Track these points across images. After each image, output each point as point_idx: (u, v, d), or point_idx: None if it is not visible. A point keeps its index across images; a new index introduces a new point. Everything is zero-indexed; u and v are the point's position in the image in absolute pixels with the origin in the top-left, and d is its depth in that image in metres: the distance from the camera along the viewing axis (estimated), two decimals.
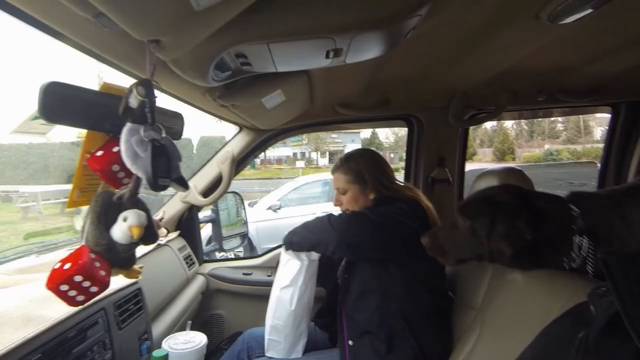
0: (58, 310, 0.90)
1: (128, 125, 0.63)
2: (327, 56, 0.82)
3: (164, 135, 0.63)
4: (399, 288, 1.25)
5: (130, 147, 0.62)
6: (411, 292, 1.24)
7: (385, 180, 1.38)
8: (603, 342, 0.41)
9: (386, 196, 1.35)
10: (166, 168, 0.62)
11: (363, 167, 1.37)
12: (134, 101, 0.62)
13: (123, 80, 0.78)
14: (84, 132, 0.73)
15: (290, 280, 1.38)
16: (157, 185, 0.59)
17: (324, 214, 1.32)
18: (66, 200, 0.77)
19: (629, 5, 0.82)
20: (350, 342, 1.29)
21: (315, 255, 1.37)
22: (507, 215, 0.88)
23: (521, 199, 0.90)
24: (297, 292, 1.37)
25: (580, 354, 0.42)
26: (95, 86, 0.73)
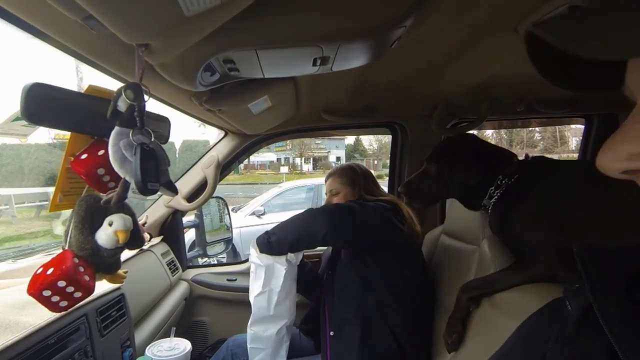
0: (37, 316, 0.87)
1: (116, 129, 0.63)
2: (315, 64, 0.84)
3: (153, 139, 0.63)
4: (377, 281, 1.33)
5: (118, 150, 0.61)
6: (388, 286, 1.32)
7: (373, 187, 1.57)
8: (578, 335, 0.42)
9: (369, 200, 1.50)
10: (155, 172, 0.62)
11: (355, 174, 1.58)
12: (122, 104, 0.62)
13: (104, 82, 0.78)
14: (60, 133, 0.72)
15: (262, 287, 1.37)
16: (146, 190, 0.59)
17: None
18: (42, 203, 0.76)
19: None
20: (332, 333, 1.35)
21: (294, 259, 1.38)
22: (463, 158, 1.15)
23: (474, 145, 1.20)
24: (275, 297, 1.37)
25: (557, 346, 0.44)
26: (74, 87, 0.73)
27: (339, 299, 1.37)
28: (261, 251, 1.34)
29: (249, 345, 1.41)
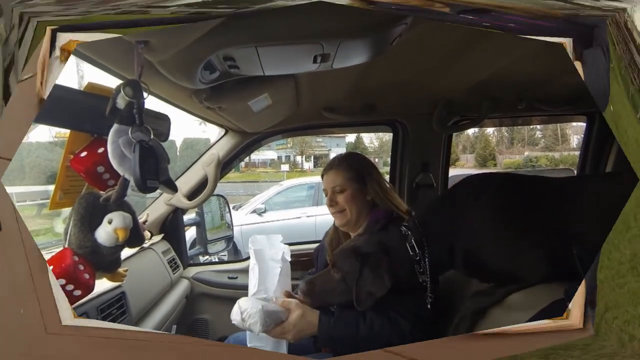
0: None
1: (115, 126, 0.63)
2: (315, 61, 0.84)
3: (152, 136, 0.63)
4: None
5: (117, 148, 0.61)
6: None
7: (384, 183, 1.35)
8: None
9: (383, 204, 1.28)
10: (154, 170, 0.61)
11: (362, 166, 1.31)
12: (121, 102, 0.62)
13: (105, 80, 0.77)
14: (62, 131, 0.72)
15: (257, 286, 1.35)
16: (145, 187, 0.59)
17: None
18: (43, 201, 0.77)
19: None
20: None
21: (289, 256, 1.36)
22: (371, 266, 1.01)
23: (381, 246, 1.04)
24: (272, 295, 1.36)
25: None
26: (74, 85, 0.72)
27: None
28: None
29: (248, 344, 1.41)
